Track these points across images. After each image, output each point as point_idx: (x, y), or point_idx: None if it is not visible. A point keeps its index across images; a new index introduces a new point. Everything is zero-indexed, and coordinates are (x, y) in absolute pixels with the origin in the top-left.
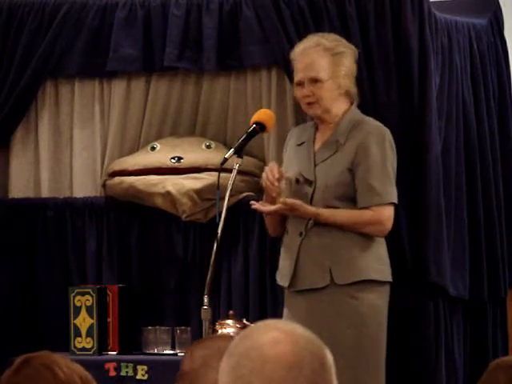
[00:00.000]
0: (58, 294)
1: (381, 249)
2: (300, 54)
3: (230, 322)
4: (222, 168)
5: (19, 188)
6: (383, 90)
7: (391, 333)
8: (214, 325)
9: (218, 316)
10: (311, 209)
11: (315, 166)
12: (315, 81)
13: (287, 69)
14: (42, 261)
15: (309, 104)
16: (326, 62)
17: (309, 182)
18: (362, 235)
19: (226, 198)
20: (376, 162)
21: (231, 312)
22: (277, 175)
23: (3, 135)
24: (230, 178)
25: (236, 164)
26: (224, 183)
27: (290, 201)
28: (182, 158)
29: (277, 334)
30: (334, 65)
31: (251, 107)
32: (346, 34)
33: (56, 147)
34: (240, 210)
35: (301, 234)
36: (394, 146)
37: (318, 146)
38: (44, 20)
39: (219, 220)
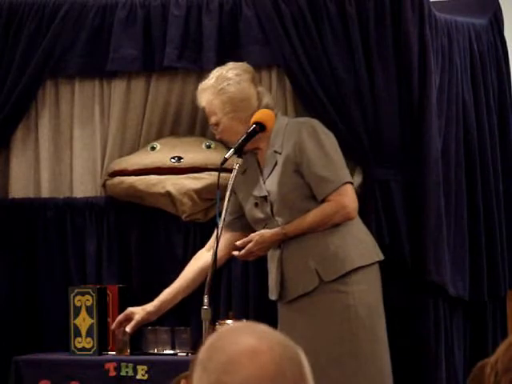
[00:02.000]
0: (58, 293)
1: (357, 233)
2: (198, 101)
3: (229, 322)
4: (222, 168)
5: (19, 188)
6: (383, 89)
7: (391, 332)
8: (214, 325)
9: (217, 316)
10: (275, 232)
11: (264, 182)
12: (216, 124)
13: (287, 69)
14: (42, 261)
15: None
16: (214, 104)
17: (265, 200)
18: (334, 226)
19: (226, 198)
20: (315, 153)
21: (231, 312)
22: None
23: (3, 135)
24: (231, 178)
25: (236, 164)
26: (224, 183)
27: (244, 240)
28: (181, 158)
29: (250, 342)
30: (221, 103)
31: None
32: (345, 34)
33: (56, 147)
34: None
35: (279, 246)
36: (327, 131)
37: (262, 165)
38: (44, 20)
39: (219, 220)
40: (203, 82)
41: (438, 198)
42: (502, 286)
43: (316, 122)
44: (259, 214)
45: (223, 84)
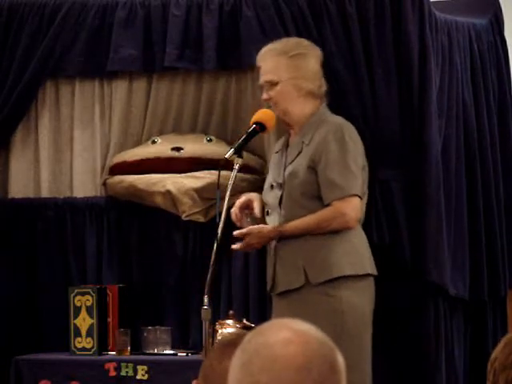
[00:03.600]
0: (58, 293)
1: (354, 242)
2: (259, 60)
3: (229, 322)
4: (222, 166)
5: (19, 188)
6: (383, 89)
7: (391, 333)
8: (214, 325)
9: (218, 316)
10: (273, 228)
11: (285, 169)
12: (271, 84)
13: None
14: (42, 261)
15: (270, 107)
16: (281, 64)
17: (279, 186)
18: (333, 232)
19: (227, 198)
20: (335, 158)
21: (231, 312)
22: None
23: (3, 135)
24: (231, 178)
25: (236, 164)
26: (224, 183)
27: (241, 231)
28: (182, 149)
29: (289, 334)
30: (290, 67)
31: (251, 107)
32: (346, 34)
33: (56, 147)
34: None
35: (278, 240)
36: (356, 139)
37: (289, 150)
38: (44, 20)
39: (219, 219)
40: (271, 44)
41: (439, 198)
42: (502, 286)
43: (347, 128)
44: (269, 198)
45: (298, 50)
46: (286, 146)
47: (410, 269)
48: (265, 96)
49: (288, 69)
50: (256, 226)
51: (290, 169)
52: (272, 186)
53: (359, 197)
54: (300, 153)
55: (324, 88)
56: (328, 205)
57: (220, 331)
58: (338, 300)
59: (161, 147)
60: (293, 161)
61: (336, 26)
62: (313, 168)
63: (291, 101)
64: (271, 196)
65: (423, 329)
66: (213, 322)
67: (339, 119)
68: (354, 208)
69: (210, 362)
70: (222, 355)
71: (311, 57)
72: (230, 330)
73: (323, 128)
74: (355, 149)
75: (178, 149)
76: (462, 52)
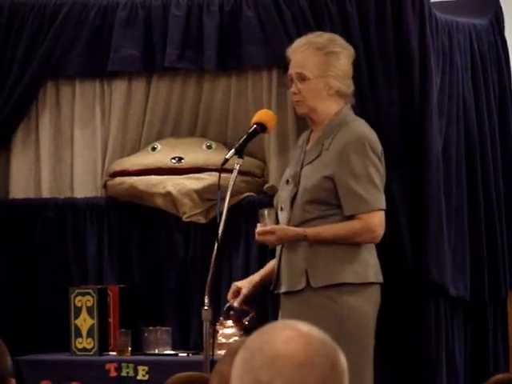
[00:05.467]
0: (59, 294)
1: (359, 251)
2: (292, 51)
3: (230, 322)
4: (222, 168)
5: (20, 188)
6: (384, 90)
7: (391, 333)
8: (215, 325)
9: (218, 316)
10: (296, 230)
11: (302, 167)
12: (302, 78)
13: (288, 69)
14: (42, 261)
15: (296, 102)
16: (315, 60)
17: (294, 184)
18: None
19: (227, 199)
20: (358, 170)
21: (232, 312)
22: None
23: (4, 135)
24: (231, 179)
25: (237, 164)
26: (225, 184)
27: (265, 228)
28: (182, 159)
29: (292, 333)
30: (323, 64)
31: (252, 108)
32: (346, 34)
33: (57, 147)
34: (241, 210)
35: None
36: (377, 150)
37: (308, 147)
38: (45, 20)
39: (220, 220)
40: (309, 37)
41: (439, 198)
42: (503, 287)
43: (368, 139)
44: (283, 193)
45: (336, 48)
46: (307, 141)
47: (410, 268)
48: (293, 89)
49: (321, 66)
50: (280, 227)
51: (305, 170)
52: (288, 182)
53: (384, 210)
54: (318, 156)
55: (352, 88)
56: (351, 217)
57: (221, 331)
58: (339, 305)
59: (161, 156)
60: (310, 163)
61: (337, 27)
62: (329, 178)
63: (320, 99)
64: (285, 191)
65: (424, 328)
66: (213, 323)
67: (360, 126)
68: (381, 224)
69: (221, 368)
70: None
71: (344, 56)
72: (230, 330)
73: (343, 134)
74: (377, 161)
75: (179, 159)
76: (462, 52)
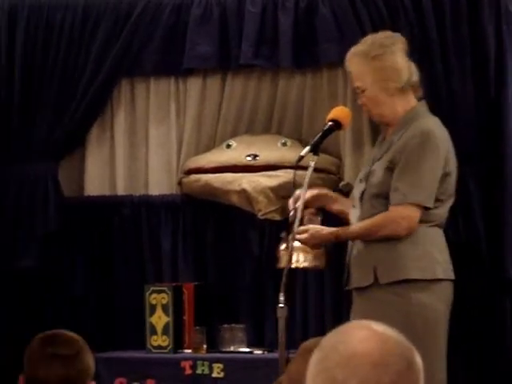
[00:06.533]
0: (134, 291)
1: (426, 247)
2: (346, 64)
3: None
4: (297, 166)
5: (95, 186)
6: (459, 85)
7: (467, 331)
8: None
9: (293, 315)
10: (330, 229)
11: (372, 164)
12: (362, 90)
13: None
14: (117, 259)
15: (367, 112)
16: (364, 69)
17: (365, 181)
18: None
19: (302, 196)
20: (412, 163)
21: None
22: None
23: (79, 134)
24: (306, 176)
25: (312, 162)
26: (300, 181)
27: (302, 227)
28: (257, 156)
29: (368, 333)
30: (372, 70)
31: (327, 105)
32: (422, 31)
33: (132, 145)
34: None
35: None
36: (441, 148)
37: (382, 145)
38: (119, 19)
39: (295, 218)
40: (355, 47)
41: None
42: None
43: (433, 134)
44: (355, 191)
45: (378, 51)
46: (383, 139)
47: (486, 266)
48: (360, 102)
49: (370, 72)
50: (314, 226)
51: (374, 167)
52: (360, 180)
53: (422, 207)
54: (386, 152)
55: (414, 78)
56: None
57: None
58: (406, 301)
59: (236, 154)
60: (378, 159)
61: (412, 23)
62: (391, 169)
63: (383, 104)
64: (357, 189)
65: (500, 326)
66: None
67: (429, 122)
68: (406, 216)
69: (296, 366)
70: (308, 360)
71: (391, 53)
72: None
73: (411, 130)
74: (436, 158)
75: (254, 156)
76: None
